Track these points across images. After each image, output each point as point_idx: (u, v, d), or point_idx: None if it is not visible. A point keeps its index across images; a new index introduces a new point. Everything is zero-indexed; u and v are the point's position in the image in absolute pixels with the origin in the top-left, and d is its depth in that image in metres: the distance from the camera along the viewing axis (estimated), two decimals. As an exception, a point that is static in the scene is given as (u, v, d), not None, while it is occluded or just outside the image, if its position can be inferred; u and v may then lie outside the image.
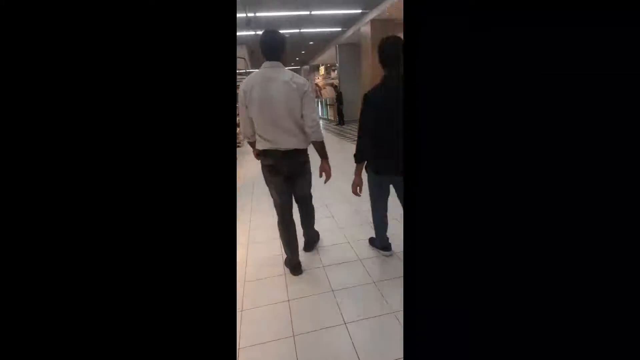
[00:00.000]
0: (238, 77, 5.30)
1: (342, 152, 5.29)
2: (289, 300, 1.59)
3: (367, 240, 2.08)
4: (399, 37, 1.47)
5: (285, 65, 1.54)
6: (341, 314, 1.46)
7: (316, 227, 2.09)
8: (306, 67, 15.99)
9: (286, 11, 6.19)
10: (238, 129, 4.79)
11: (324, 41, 9.87)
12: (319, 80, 15.06)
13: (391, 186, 1.72)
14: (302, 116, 1.50)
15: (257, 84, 1.47)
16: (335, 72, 11.42)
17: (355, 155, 1.60)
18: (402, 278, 1.44)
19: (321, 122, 11.67)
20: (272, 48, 1.48)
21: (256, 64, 10.11)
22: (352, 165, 1.65)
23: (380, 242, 1.93)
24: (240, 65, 7.17)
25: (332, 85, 12.08)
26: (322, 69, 14.93)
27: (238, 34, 6.66)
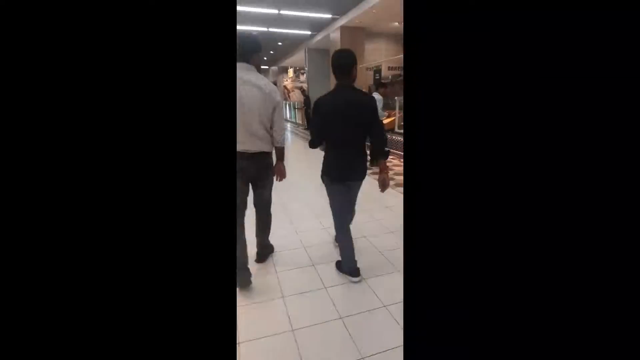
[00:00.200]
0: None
1: (306, 159, 5.18)
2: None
3: (334, 265, 1.84)
4: (350, 50, 1.57)
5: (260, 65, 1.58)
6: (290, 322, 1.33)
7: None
8: (275, 68, 15.75)
9: (254, 7, 5.98)
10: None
11: (293, 43, 9.76)
12: (288, 82, 14.89)
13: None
14: (271, 125, 1.56)
15: None
16: (304, 75, 11.34)
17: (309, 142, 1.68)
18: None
19: (288, 125, 11.60)
20: (242, 49, 1.49)
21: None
22: (316, 171, 1.67)
23: (347, 266, 1.71)
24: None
25: (300, 89, 11.97)
26: (290, 72, 14.78)
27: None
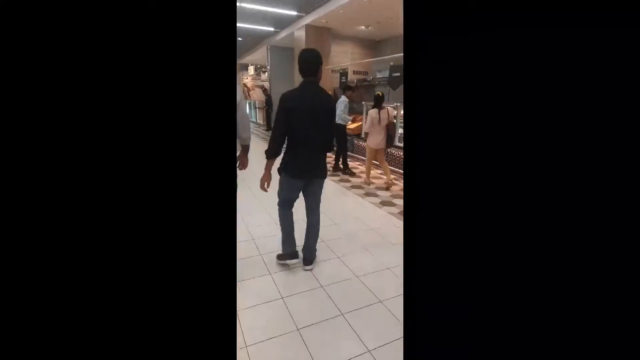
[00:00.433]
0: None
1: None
2: None
3: (276, 257, 1.97)
4: (316, 50, 1.59)
5: None
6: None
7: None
8: (234, 65, 14.97)
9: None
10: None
11: (255, 40, 9.24)
12: (248, 80, 14.22)
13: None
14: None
15: None
16: (266, 74, 10.84)
17: (266, 152, 1.61)
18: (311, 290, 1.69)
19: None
20: None
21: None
22: (273, 171, 1.68)
23: (288, 247, 1.83)
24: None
25: (261, 87, 11.44)
26: (251, 69, 14.14)
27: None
